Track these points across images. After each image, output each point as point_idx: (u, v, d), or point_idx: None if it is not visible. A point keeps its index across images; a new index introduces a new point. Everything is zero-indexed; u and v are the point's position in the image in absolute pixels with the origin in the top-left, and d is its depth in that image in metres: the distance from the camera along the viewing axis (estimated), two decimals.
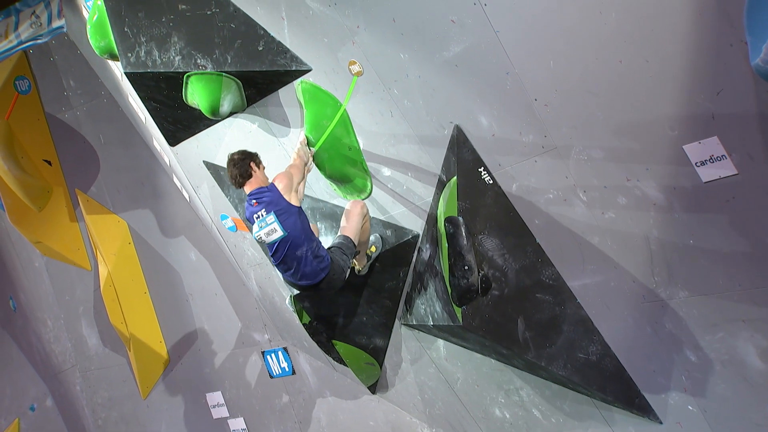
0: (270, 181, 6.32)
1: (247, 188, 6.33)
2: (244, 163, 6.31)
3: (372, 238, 6.70)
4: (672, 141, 4.70)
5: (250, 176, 6.32)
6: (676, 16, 4.30)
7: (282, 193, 6.14)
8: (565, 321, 5.90)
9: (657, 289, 5.38)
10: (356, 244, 6.54)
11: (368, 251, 6.72)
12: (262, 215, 6.16)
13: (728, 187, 4.66)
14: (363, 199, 6.95)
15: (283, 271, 6.39)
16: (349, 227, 6.56)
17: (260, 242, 6.35)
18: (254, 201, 6.22)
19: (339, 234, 6.58)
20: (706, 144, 4.58)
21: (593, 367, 5.89)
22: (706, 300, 5.19)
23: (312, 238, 6.26)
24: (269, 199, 6.14)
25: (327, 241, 7.38)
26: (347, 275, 6.50)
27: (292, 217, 6.15)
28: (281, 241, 6.17)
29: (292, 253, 6.20)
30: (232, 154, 6.39)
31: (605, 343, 5.87)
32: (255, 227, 6.24)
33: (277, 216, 6.12)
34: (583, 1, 4.60)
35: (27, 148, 11.19)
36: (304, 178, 6.54)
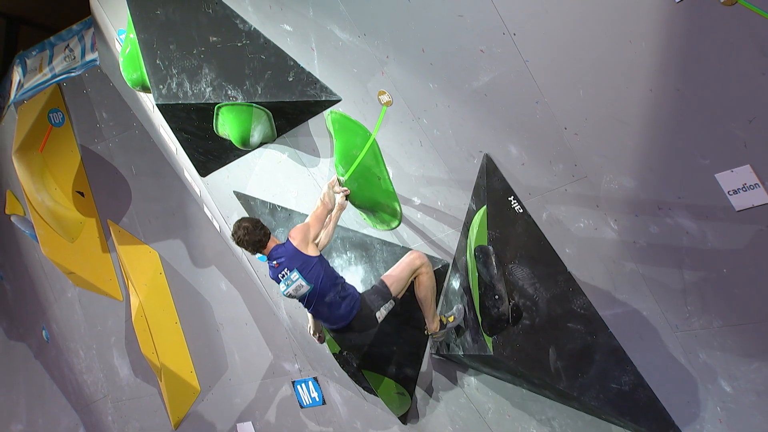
0: (287, 237, 6.40)
1: (265, 251, 6.44)
2: (260, 232, 6.37)
3: (454, 308, 6.63)
4: (704, 169, 4.67)
5: (265, 245, 6.40)
6: (707, 44, 4.29)
7: (298, 248, 6.25)
8: (597, 351, 5.85)
9: (690, 319, 5.33)
10: (392, 291, 6.50)
11: (445, 318, 6.61)
12: (287, 274, 6.30)
13: (761, 216, 4.61)
14: (393, 228, 6.95)
15: (320, 319, 6.59)
16: (392, 273, 6.58)
17: (290, 297, 6.46)
18: (275, 263, 6.35)
19: (381, 278, 6.61)
20: (738, 172, 4.55)
21: (626, 398, 5.82)
22: (740, 329, 5.12)
23: (336, 282, 6.40)
24: (288, 256, 6.27)
25: (356, 271, 7.38)
26: (380, 317, 6.51)
27: (315, 269, 6.28)
28: (310, 293, 6.33)
29: (321, 301, 6.37)
30: (241, 222, 6.42)
31: (638, 373, 5.80)
32: (282, 286, 6.37)
33: (300, 272, 6.27)
34: (613, 30, 4.60)
35: (60, 179, 11.32)
36: (331, 222, 6.61)
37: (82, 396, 13.64)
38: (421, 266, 6.55)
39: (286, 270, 6.28)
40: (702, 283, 5.13)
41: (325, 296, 6.34)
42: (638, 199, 5.11)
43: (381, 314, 6.49)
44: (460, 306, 6.55)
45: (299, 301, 6.52)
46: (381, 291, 6.48)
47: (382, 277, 6.57)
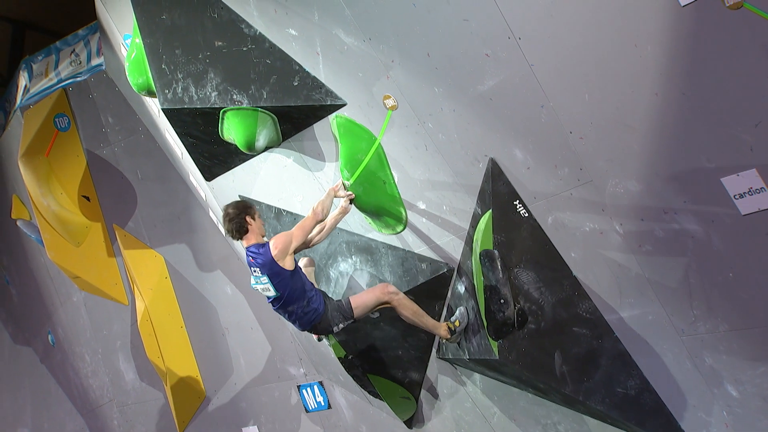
0: (268, 240, 6.40)
1: (245, 242, 6.43)
2: (239, 218, 6.36)
3: (457, 312, 6.66)
4: (710, 173, 4.66)
5: (246, 231, 6.38)
6: (713, 48, 4.29)
7: (275, 258, 6.23)
8: (603, 355, 5.84)
9: (696, 323, 5.32)
10: (354, 313, 6.55)
11: (452, 324, 6.64)
12: (258, 273, 6.32)
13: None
14: (398, 233, 6.96)
15: (280, 314, 6.60)
16: (360, 298, 6.62)
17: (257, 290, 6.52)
18: (251, 257, 6.34)
19: (348, 296, 6.66)
20: (744, 176, 4.54)
21: (632, 402, 5.81)
22: (746, 333, 5.12)
23: (304, 296, 6.42)
24: (263, 261, 6.26)
25: (361, 275, 7.38)
26: (336, 329, 6.57)
27: (285, 281, 6.29)
28: (275, 298, 6.37)
29: (284, 308, 6.43)
30: (227, 208, 6.44)
31: (644, 377, 5.80)
32: (252, 279, 6.41)
33: (270, 278, 6.27)
34: (619, 34, 4.60)
35: (66, 184, 11.34)
36: (329, 222, 6.70)
37: (88, 400, 13.65)
38: (391, 301, 6.57)
39: (258, 270, 6.30)
40: (708, 287, 5.13)
41: (288, 306, 6.41)
42: (644, 203, 5.11)
43: (338, 328, 6.57)
44: (462, 309, 6.56)
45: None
46: (345, 311, 6.53)
47: (350, 298, 6.60)
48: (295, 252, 6.35)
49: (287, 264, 6.27)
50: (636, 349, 5.77)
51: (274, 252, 6.21)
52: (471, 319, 6.46)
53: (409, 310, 6.58)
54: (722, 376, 5.39)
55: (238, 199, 8.21)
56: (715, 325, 5.23)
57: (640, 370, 5.80)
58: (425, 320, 6.65)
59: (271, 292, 6.31)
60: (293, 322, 6.57)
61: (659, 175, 4.92)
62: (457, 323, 6.55)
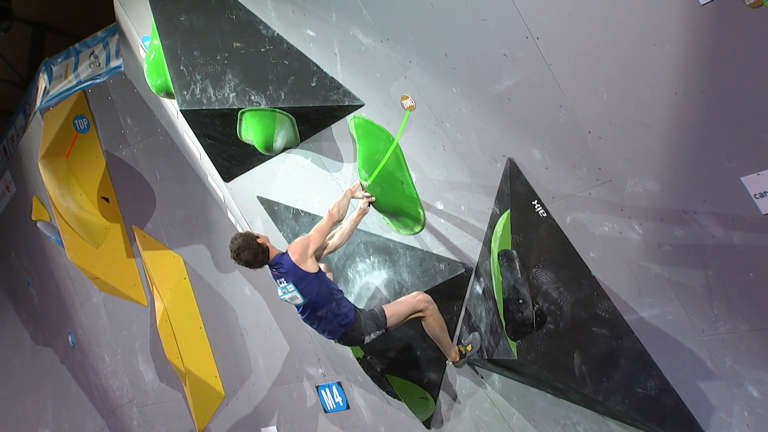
0: (286, 249, 6.44)
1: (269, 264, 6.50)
2: (256, 246, 6.35)
3: (470, 336, 6.68)
4: (729, 173, 4.64)
5: (267, 252, 6.41)
6: (732, 47, 4.27)
7: (296, 263, 6.30)
8: (622, 355, 5.82)
9: (716, 323, 5.29)
10: (388, 323, 6.60)
11: (463, 348, 6.68)
12: (283, 283, 6.38)
13: None
14: (416, 233, 6.95)
15: (310, 325, 6.66)
16: (394, 308, 6.67)
17: (286, 302, 6.56)
18: (274, 270, 6.42)
19: (382, 306, 6.70)
20: (764, 176, 4.51)
21: (652, 402, 5.79)
22: (767, 333, 5.08)
23: (332, 298, 6.46)
24: (285, 269, 6.34)
25: (380, 275, 7.38)
26: (366, 341, 6.64)
27: (311, 284, 6.35)
28: (304, 305, 6.42)
29: (314, 313, 6.47)
30: (236, 249, 6.38)
31: (664, 377, 5.77)
32: (279, 291, 6.46)
33: (296, 285, 6.33)
34: (638, 33, 4.58)
35: (85, 185, 11.39)
36: (349, 224, 6.73)
37: (108, 401, 13.71)
38: (424, 310, 6.65)
39: (283, 280, 6.37)
40: (728, 286, 5.10)
41: (318, 310, 6.44)
42: (663, 203, 5.08)
43: (369, 339, 6.62)
44: (476, 334, 6.60)
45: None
46: (378, 320, 6.58)
47: (384, 306, 6.66)
48: (315, 255, 6.40)
49: (309, 267, 6.33)
50: (656, 349, 5.74)
51: (294, 257, 6.29)
52: (482, 347, 6.54)
53: (439, 323, 6.69)
54: (743, 377, 5.36)
55: (257, 198, 8.24)
56: (736, 326, 5.20)
57: (659, 370, 5.77)
58: (446, 337, 6.75)
59: (299, 299, 6.37)
60: (324, 331, 6.59)
61: (678, 174, 4.90)
62: (468, 347, 6.60)
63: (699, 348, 5.50)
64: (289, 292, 6.37)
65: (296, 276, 6.30)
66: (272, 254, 6.42)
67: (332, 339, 6.66)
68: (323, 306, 6.42)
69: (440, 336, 6.72)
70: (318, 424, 10.17)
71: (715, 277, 5.12)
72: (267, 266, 6.47)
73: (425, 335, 7.20)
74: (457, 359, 6.72)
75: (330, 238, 6.72)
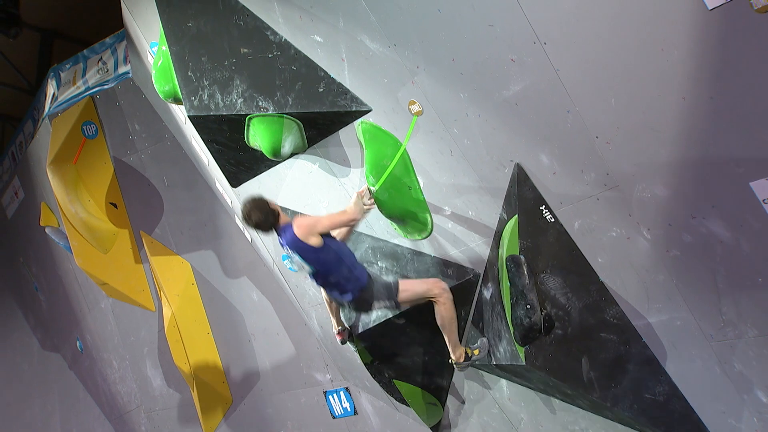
0: (292, 222, 6.52)
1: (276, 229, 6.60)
2: (271, 214, 6.47)
3: (479, 342, 6.68)
4: (738, 178, 4.63)
5: (277, 222, 6.52)
6: (740, 52, 4.26)
7: (300, 237, 6.36)
8: (631, 361, 5.80)
9: (725, 329, 5.28)
10: (399, 297, 6.62)
11: (470, 350, 6.68)
12: (289, 252, 6.50)
13: None
14: (424, 238, 6.95)
15: (323, 288, 6.83)
16: (409, 283, 6.70)
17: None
18: (280, 238, 6.56)
19: (398, 280, 6.73)
20: None
21: (660, 408, 5.78)
22: None
23: (342, 265, 6.51)
24: (288, 240, 6.43)
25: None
26: (375, 308, 6.72)
27: (314, 255, 6.42)
28: (313, 273, 6.54)
29: (326, 279, 6.59)
30: (249, 211, 6.46)
31: (672, 383, 5.76)
32: (286, 261, 6.52)
33: (301, 256, 6.43)
34: (645, 38, 4.57)
35: (93, 191, 11.42)
36: (349, 224, 6.66)
37: (116, 406, 13.73)
38: (438, 296, 6.63)
39: (288, 249, 6.47)
40: (737, 292, 5.09)
41: (329, 276, 6.53)
42: (671, 208, 5.08)
43: (377, 306, 6.67)
44: (485, 339, 6.58)
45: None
46: (390, 290, 6.62)
47: (400, 280, 6.70)
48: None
49: (313, 242, 6.38)
50: (664, 354, 5.73)
51: (297, 231, 6.36)
52: (489, 352, 6.54)
53: (450, 313, 6.66)
54: (752, 382, 5.34)
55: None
56: (745, 331, 5.19)
57: (668, 375, 5.76)
58: (454, 331, 6.71)
59: (307, 268, 6.51)
60: (338, 294, 6.65)
61: (687, 179, 4.89)
62: (476, 351, 6.61)
63: (708, 353, 5.48)
64: (295, 261, 6.50)
65: (298, 248, 6.38)
66: (283, 221, 6.50)
67: (345, 302, 6.70)
68: (334, 272, 6.50)
69: (449, 328, 6.69)
70: (326, 430, 10.16)
71: (723, 282, 5.10)
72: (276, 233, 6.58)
73: (433, 340, 7.19)
74: (461, 360, 6.70)
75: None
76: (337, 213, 6.53)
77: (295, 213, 8.10)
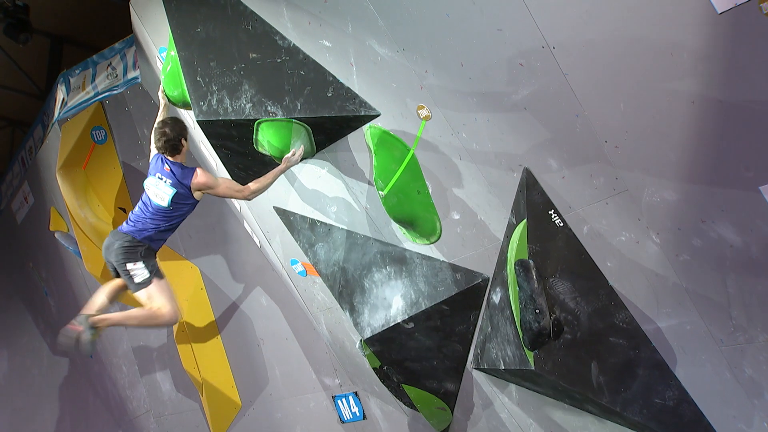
0: (197, 169, 6.80)
1: (170, 158, 6.84)
2: (177, 140, 6.82)
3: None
4: (748, 182, 4.62)
5: (179, 152, 6.84)
6: (750, 56, 4.25)
7: (191, 185, 6.72)
8: (640, 365, 5.79)
9: (735, 333, 5.26)
10: (142, 283, 7.04)
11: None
12: (164, 183, 6.74)
13: None
14: (432, 243, 6.95)
15: (134, 219, 7.01)
16: (160, 288, 7.12)
17: (145, 188, 6.87)
18: (167, 167, 6.76)
19: (155, 279, 7.12)
20: None
21: (670, 413, 5.76)
22: None
23: (176, 222, 6.93)
24: (178, 179, 6.72)
25: (396, 285, 7.35)
26: (127, 266, 6.98)
27: (182, 204, 6.83)
28: (157, 208, 6.85)
29: (148, 219, 6.90)
30: (164, 126, 6.80)
31: (682, 387, 5.74)
32: (152, 180, 6.80)
33: (174, 196, 6.73)
34: (654, 42, 4.57)
35: (103, 196, 11.43)
36: (271, 173, 6.98)
37: (126, 411, 13.73)
38: (162, 314, 7.07)
39: (167, 181, 6.72)
40: (747, 296, 5.07)
41: (154, 221, 6.84)
42: (681, 212, 5.07)
43: (128, 265, 6.98)
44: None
45: (143, 197, 6.94)
46: (145, 269, 6.98)
47: (155, 280, 7.06)
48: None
49: (196, 195, 6.79)
50: (674, 359, 5.72)
51: (194, 180, 6.70)
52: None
53: (147, 322, 7.30)
54: (763, 387, 5.32)
55: (273, 209, 8.25)
56: (755, 335, 5.17)
57: (678, 380, 5.74)
58: (127, 323, 7.54)
59: (164, 203, 6.74)
60: (135, 229, 6.91)
61: (696, 184, 4.88)
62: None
63: (718, 358, 5.46)
64: (162, 191, 6.70)
65: (181, 191, 6.70)
66: (182, 157, 6.82)
67: (131, 235, 6.91)
68: (160, 222, 6.82)
69: (133, 319, 7.30)
70: None
71: (733, 286, 5.09)
72: (165, 160, 6.80)
73: (442, 345, 7.19)
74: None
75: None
76: (235, 183, 6.97)
77: (303, 217, 8.11)
